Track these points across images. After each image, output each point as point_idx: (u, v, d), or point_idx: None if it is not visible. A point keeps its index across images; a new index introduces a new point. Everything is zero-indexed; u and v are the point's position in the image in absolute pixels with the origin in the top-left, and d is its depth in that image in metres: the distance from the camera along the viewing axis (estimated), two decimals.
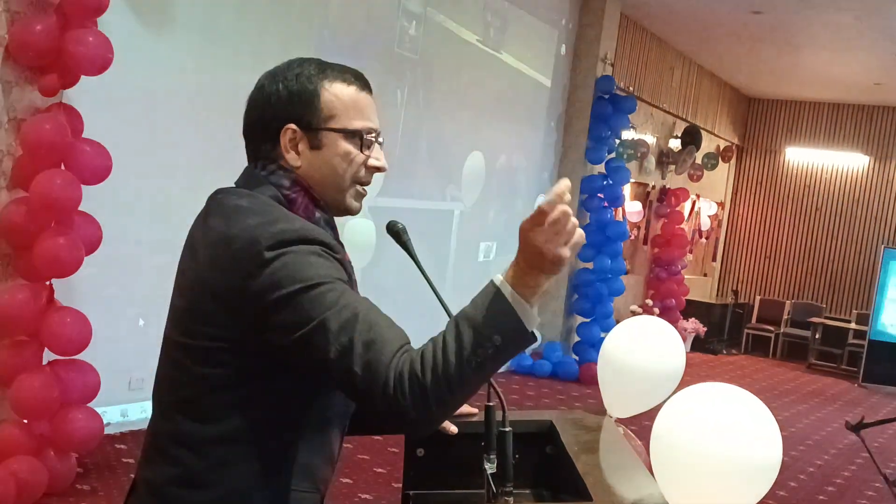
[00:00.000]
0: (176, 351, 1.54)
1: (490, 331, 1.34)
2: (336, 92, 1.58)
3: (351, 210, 1.63)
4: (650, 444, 1.49)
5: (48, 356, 4.34)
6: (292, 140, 1.57)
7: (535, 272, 1.36)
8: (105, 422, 4.68)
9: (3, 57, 4.16)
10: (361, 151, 1.60)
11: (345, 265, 1.50)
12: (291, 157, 1.57)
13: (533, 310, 1.36)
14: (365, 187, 1.64)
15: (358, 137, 1.59)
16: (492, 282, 1.38)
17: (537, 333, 1.38)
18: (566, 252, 1.36)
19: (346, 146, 1.58)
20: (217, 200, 1.57)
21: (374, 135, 1.61)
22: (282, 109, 1.56)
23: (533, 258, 1.36)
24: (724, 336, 13.70)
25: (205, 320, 1.48)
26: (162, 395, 1.58)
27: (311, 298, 1.39)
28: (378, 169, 1.63)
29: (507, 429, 1.64)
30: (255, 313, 1.42)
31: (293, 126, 1.56)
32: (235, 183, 1.62)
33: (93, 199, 4.40)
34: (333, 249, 1.48)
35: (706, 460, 1.36)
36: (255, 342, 1.44)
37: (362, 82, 1.62)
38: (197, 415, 1.50)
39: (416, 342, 1.40)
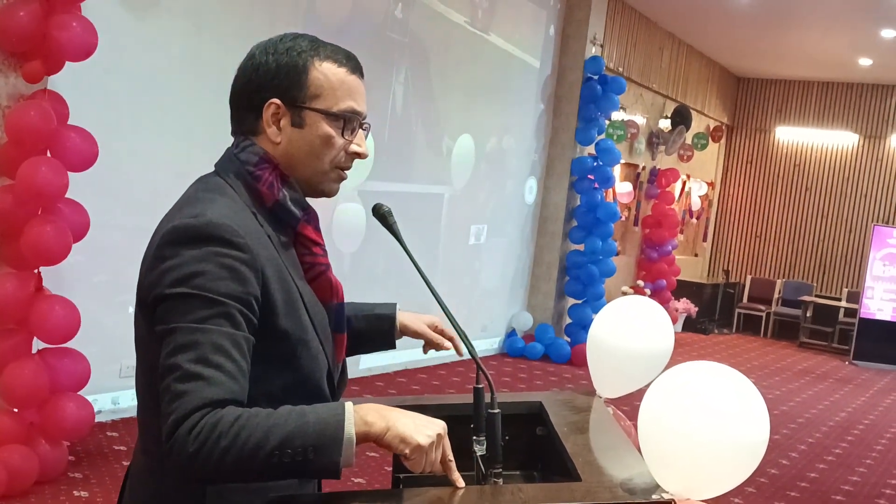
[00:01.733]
0: (136, 339, 1.54)
1: (311, 440, 1.33)
2: (325, 71, 1.55)
3: (327, 193, 1.62)
4: (638, 423, 1.48)
5: (38, 345, 4.32)
6: (275, 115, 1.54)
7: (385, 429, 1.38)
8: (96, 409, 4.68)
9: None
10: (343, 136, 1.57)
11: (252, 262, 1.44)
12: (272, 132, 1.55)
13: (352, 458, 1.36)
14: (346, 172, 1.61)
15: (341, 121, 1.56)
16: (343, 404, 1.39)
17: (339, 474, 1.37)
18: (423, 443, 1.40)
19: (328, 129, 1.55)
20: (191, 186, 1.59)
21: (358, 120, 1.58)
22: (268, 82, 1.54)
23: (398, 429, 1.39)
24: (716, 316, 13.75)
25: (141, 311, 1.49)
26: (137, 376, 1.58)
27: (177, 305, 1.38)
28: (358, 155, 1.60)
29: (496, 410, 1.63)
30: (148, 304, 1.44)
31: (277, 101, 1.54)
32: (215, 164, 1.61)
33: (80, 186, 4.37)
34: (236, 246, 1.43)
35: (693, 439, 1.36)
36: None
37: (353, 65, 1.59)
38: (155, 401, 1.45)
39: None
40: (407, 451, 1.38)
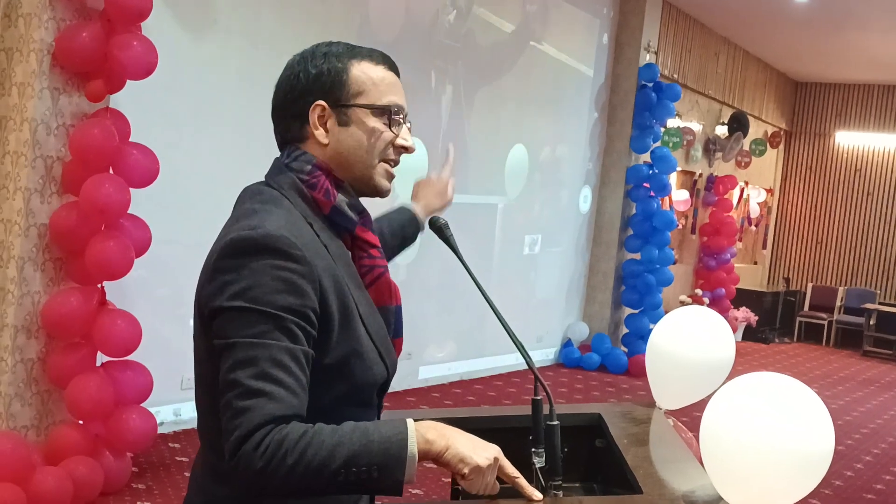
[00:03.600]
0: (195, 350, 1.57)
1: (375, 459, 1.35)
2: (364, 69, 1.58)
3: (381, 189, 1.62)
4: (700, 435, 1.47)
5: (102, 358, 4.41)
6: (321, 117, 1.57)
7: (445, 447, 1.40)
8: (158, 421, 4.75)
9: (51, 64, 4.23)
10: (390, 129, 1.59)
11: (310, 274, 1.45)
12: (320, 135, 1.58)
13: (414, 477, 1.38)
14: (394, 168, 1.63)
15: (386, 115, 1.59)
16: (405, 422, 1.40)
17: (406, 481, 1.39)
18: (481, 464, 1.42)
19: (374, 122, 1.58)
20: (239, 198, 1.61)
21: (402, 114, 1.61)
22: (311, 86, 1.57)
23: (457, 448, 1.41)
24: (776, 325, 13.51)
25: (199, 322, 1.51)
26: (197, 383, 1.61)
27: (234, 319, 1.40)
28: (405, 149, 1.63)
29: (555, 422, 1.63)
30: (208, 316, 1.45)
31: (322, 103, 1.57)
32: (265, 175, 1.63)
33: (141, 202, 4.46)
34: (293, 257, 1.44)
35: (757, 451, 1.34)
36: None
37: (389, 63, 1.63)
38: (212, 409, 1.48)
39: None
40: (466, 470, 1.40)
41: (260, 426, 1.33)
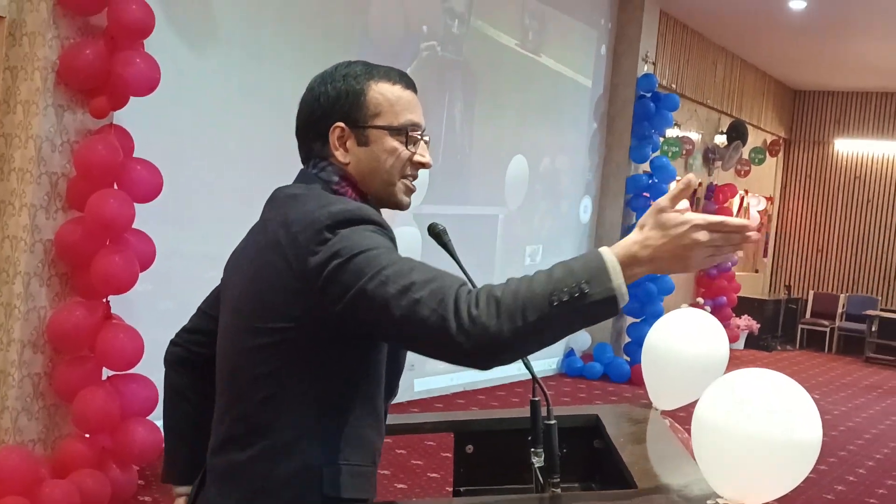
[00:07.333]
0: (236, 338, 1.60)
1: (582, 276, 1.36)
2: (382, 90, 1.64)
3: (400, 204, 1.68)
4: (691, 429, 1.51)
5: (108, 371, 4.45)
6: (341, 138, 1.64)
7: (646, 257, 1.40)
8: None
9: (55, 81, 4.28)
10: (407, 147, 1.65)
11: (395, 245, 1.54)
12: (340, 154, 1.64)
13: (625, 285, 1.38)
14: (413, 182, 1.69)
15: (403, 134, 1.65)
16: (595, 249, 1.42)
17: (621, 305, 1.38)
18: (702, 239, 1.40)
19: (392, 142, 1.64)
20: (272, 196, 1.66)
21: (419, 132, 1.67)
22: (330, 108, 1.63)
23: (662, 239, 1.40)
24: (778, 332, 13.53)
25: (267, 305, 1.53)
26: (223, 385, 1.65)
27: (368, 258, 1.43)
28: (423, 165, 1.68)
29: (552, 421, 1.67)
30: (318, 288, 1.46)
31: (341, 124, 1.63)
32: (294, 182, 1.69)
33: (146, 217, 4.50)
34: (387, 230, 1.53)
35: (744, 441, 1.38)
36: (319, 320, 1.49)
37: (407, 81, 1.68)
38: (261, 397, 1.56)
39: None
40: (690, 254, 1.41)
41: (458, 291, 1.37)
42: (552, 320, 1.36)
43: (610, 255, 1.39)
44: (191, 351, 1.87)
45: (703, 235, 1.40)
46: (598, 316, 1.38)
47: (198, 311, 1.90)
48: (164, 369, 1.91)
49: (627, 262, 1.39)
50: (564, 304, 1.35)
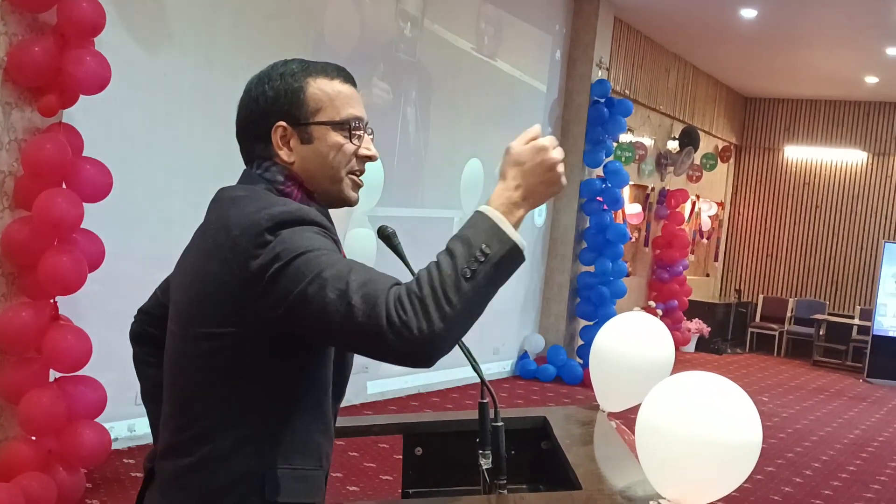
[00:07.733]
0: (179, 344, 1.59)
1: (479, 241, 1.41)
2: (320, 86, 1.63)
3: (349, 200, 1.68)
4: (635, 432, 1.53)
5: (55, 373, 4.38)
6: (283, 137, 1.62)
7: (519, 196, 1.48)
8: (112, 437, 4.72)
9: (3, 79, 4.21)
10: (351, 142, 1.64)
11: (339, 246, 1.54)
12: (284, 154, 1.62)
13: (516, 231, 1.44)
14: (360, 177, 1.68)
15: (346, 128, 1.63)
16: (476, 210, 1.47)
17: (525, 253, 1.46)
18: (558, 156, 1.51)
19: (336, 137, 1.63)
20: (216, 197, 1.64)
21: (362, 125, 1.66)
22: (270, 108, 1.62)
23: (525, 174, 1.48)
24: (729, 336, 13.73)
25: (208, 310, 1.53)
26: (168, 392, 1.64)
27: (307, 260, 1.43)
28: (369, 158, 1.68)
29: (499, 423, 1.68)
30: (259, 292, 1.45)
31: (283, 123, 1.61)
32: (237, 183, 1.67)
33: (95, 217, 4.45)
34: (329, 231, 1.53)
35: (685, 443, 1.40)
36: (260, 324, 1.48)
37: (345, 76, 1.67)
38: (202, 404, 1.55)
39: None
40: (555, 173, 1.51)
41: (390, 297, 1.37)
42: (472, 294, 1.39)
43: (492, 210, 1.46)
44: (145, 329, 1.92)
45: (558, 153, 1.52)
46: (510, 269, 1.44)
47: (154, 293, 1.93)
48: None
49: (508, 210, 1.46)
50: (476, 273, 1.39)
